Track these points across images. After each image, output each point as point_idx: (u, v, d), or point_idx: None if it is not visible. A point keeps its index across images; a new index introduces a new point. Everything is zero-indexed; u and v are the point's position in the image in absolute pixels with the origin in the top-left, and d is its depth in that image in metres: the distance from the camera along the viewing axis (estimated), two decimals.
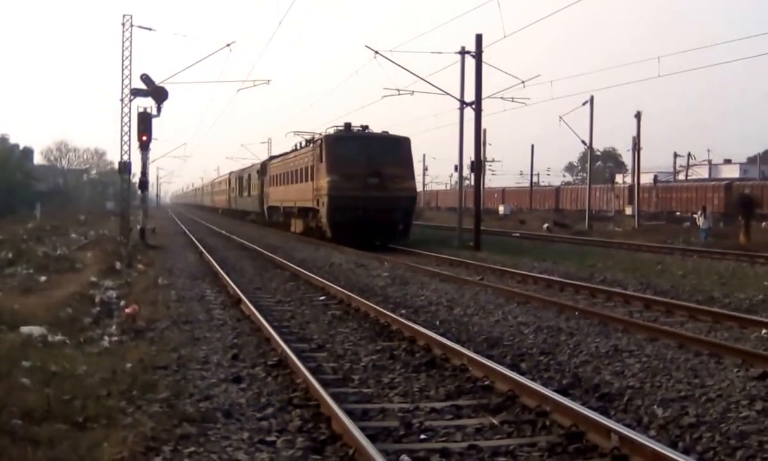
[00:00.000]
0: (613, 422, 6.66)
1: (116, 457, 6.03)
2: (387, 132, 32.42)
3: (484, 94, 30.88)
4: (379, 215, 29.27)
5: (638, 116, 51.09)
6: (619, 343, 10.77)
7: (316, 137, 34.05)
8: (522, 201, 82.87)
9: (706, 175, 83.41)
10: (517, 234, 41.90)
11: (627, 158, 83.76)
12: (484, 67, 30.44)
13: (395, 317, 12.39)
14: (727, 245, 30.60)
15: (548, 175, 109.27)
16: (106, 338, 11.29)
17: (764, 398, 7.85)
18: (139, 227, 34.05)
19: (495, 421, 7.18)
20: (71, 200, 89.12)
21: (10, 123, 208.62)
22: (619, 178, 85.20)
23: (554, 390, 7.84)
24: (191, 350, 10.32)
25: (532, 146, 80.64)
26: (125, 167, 32.71)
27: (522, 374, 8.72)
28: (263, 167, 49.03)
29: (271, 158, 47.62)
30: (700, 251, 28.21)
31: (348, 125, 32.25)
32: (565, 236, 41.17)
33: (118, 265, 22.24)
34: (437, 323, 12.70)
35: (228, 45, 31.81)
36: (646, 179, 63.15)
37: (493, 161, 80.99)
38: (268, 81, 35.46)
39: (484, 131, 42.67)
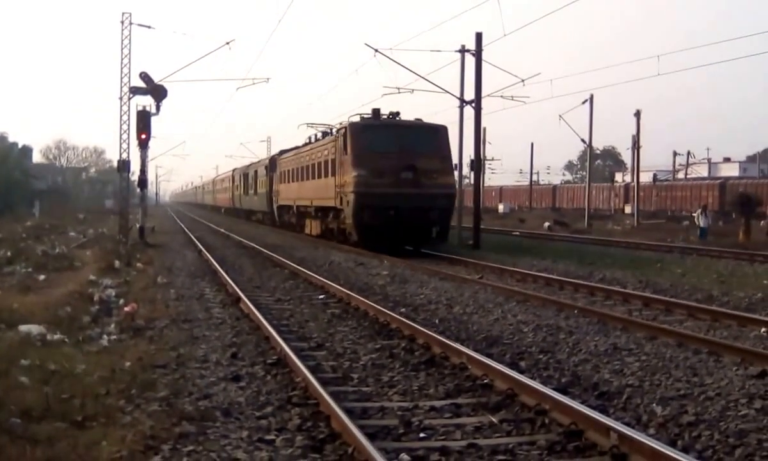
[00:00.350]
0: (612, 420, 6.66)
1: (115, 456, 6.03)
2: (420, 119, 28.74)
3: (483, 92, 30.86)
4: (414, 216, 25.47)
5: (638, 114, 51.16)
6: (618, 341, 10.77)
7: (336, 127, 29.90)
8: (519, 200, 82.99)
9: (705, 173, 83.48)
10: (517, 233, 41.90)
11: (627, 157, 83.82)
12: (484, 65, 30.45)
13: (395, 315, 12.39)
14: (726, 244, 30.60)
15: (548, 173, 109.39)
16: (105, 336, 11.29)
17: (763, 396, 7.85)
18: (138, 225, 34.05)
19: (494, 419, 7.18)
20: (70, 198, 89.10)
21: (9, 121, 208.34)
22: (618, 176, 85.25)
23: (553, 389, 7.84)
24: (190, 348, 10.32)
25: (532, 145, 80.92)
26: (124, 165, 32.68)
27: (521, 372, 8.72)
28: (272, 163, 45.21)
29: (282, 152, 42.52)
30: (699, 249, 28.22)
31: (376, 112, 28.14)
32: (564, 234, 41.19)
33: (117, 263, 22.23)
34: (436, 321, 12.70)
35: (227, 43, 31.82)
36: (645, 177, 63.22)
37: (492, 159, 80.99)
38: (268, 79, 35.56)
39: (484, 129, 42.65)
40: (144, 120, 31.18)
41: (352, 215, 26.23)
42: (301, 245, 30.73)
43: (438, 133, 27.37)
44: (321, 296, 15.75)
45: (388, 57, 29.90)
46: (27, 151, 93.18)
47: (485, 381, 8.40)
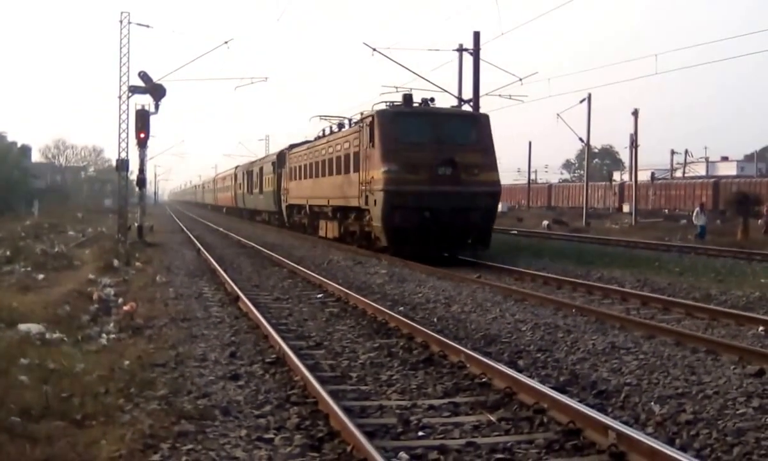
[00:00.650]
0: (611, 419, 6.68)
1: (114, 455, 6.04)
2: (458, 106, 25.61)
3: (481, 91, 30.95)
4: (453, 218, 22.22)
5: (635, 113, 51.11)
6: (616, 340, 10.79)
7: (357, 117, 26.46)
8: (515, 198, 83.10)
9: (703, 172, 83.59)
10: (515, 232, 41.92)
11: (624, 156, 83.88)
12: (482, 64, 30.54)
13: (393, 314, 12.40)
14: (724, 243, 30.61)
15: (546, 172, 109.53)
16: (104, 335, 11.30)
17: (761, 395, 7.87)
18: (137, 224, 34.06)
19: (492, 418, 7.19)
20: (69, 197, 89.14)
21: (8, 121, 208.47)
22: (616, 175, 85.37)
23: (551, 387, 7.85)
24: (189, 347, 10.33)
25: (530, 144, 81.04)
26: (123, 164, 32.68)
27: (519, 371, 8.73)
28: (281, 158, 41.47)
29: (292, 146, 39.00)
30: (697, 248, 28.24)
31: (408, 97, 24.69)
32: (562, 233, 41.21)
33: (116, 263, 22.24)
34: (435, 320, 12.71)
35: (226, 42, 31.89)
36: (643, 176, 63.27)
37: None
38: (266, 78, 35.58)
39: None
40: (143, 119, 31.19)
41: (380, 216, 22.95)
42: (299, 243, 30.72)
43: (480, 122, 24.32)
44: (319, 295, 15.76)
45: (386, 56, 29.89)
46: (26, 150, 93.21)
47: (483, 380, 8.41)
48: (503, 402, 7.65)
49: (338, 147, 28.10)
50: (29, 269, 20.81)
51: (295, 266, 20.72)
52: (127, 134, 31.99)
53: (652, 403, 7.64)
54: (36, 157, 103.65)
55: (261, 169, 48.72)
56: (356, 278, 18.70)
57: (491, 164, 23.35)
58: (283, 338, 10.36)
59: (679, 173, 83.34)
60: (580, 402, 7.37)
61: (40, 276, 19.32)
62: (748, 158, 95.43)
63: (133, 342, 10.71)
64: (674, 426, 6.97)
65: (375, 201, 23.18)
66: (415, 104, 24.49)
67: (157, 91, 31.08)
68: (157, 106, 31.35)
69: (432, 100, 25.07)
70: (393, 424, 7.03)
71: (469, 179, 22.57)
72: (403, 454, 6.22)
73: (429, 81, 31.63)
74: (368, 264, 21.90)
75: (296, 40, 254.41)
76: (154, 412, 7.16)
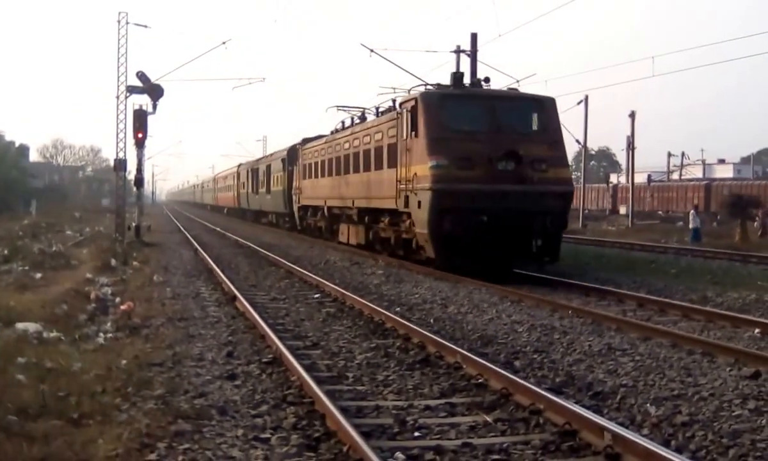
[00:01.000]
0: (606, 420, 6.70)
1: (111, 454, 6.05)
2: (516, 89, 21.33)
3: None
4: (517, 223, 18.24)
5: (632, 115, 51.17)
6: (612, 342, 10.81)
7: (385, 105, 22.51)
8: None
9: (700, 175, 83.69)
10: None
11: (621, 158, 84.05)
12: (479, 65, 30.51)
13: (390, 314, 12.42)
14: (721, 246, 30.60)
15: None
16: (101, 335, 11.31)
17: (757, 397, 7.89)
18: (134, 224, 34.05)
19: (489, 419, 7.20)
20: (67, 197, 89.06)
21: (7, 120, 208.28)
22: (613, 177, 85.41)
23: (547, 389, 7.88)
24: (186, 347, 10.34)
25: None
26: (121, 164, 32.70)
27: (515, 372, 8.76)
28: (292, 154, 37.69)
29: (306, 140, 34.82)
30: (693, 250, 28.27)
31: (458, 77, 20.81)
32: None
33: (113, 262, 22.25)
34: (431, 321, 12.72)
35: (224, 43, 31.91)
36: (640, 178, 63.36)
37: None
38: (264, 79, 35.54)
39: None
40: (140, 119, 31.22)
41: (426, 221, 18.73)
42: (296, 243, 30.73)
43: (544, 107, 19.80)
44: (316, 295, 15.77)
45: (383, 57, 29.82)
46: (24, 150, 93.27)
47: (480, 381, 8.42)
48: (499, 403, 7.66)
49: (367, 139, 24.07)
50: (27, 268, 20.80)
51: (292, 266, 20.73)
52: (125, 133, 32.05)
53: (648, 405, 7.65)
54: (34, 156, 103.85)
55: (268, 166, 44.80)
56: (353, 279, 18.71)
57: (561, 158, 19.52)
58: (279, 338, 10.37)
59: (676, 176, 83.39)
60: (576, 403, 7.40)
61: (38, 275, 19.32)
62: (745, 160, 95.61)
63: (130, 342, 10.71)
64: (670, 427, 6.99)
65: (419, 203, 19.06)
66: (466, 85, 20.87)
67: (154, 92, 31.10)
68: (154, 107, 31.40)
69: (487, 80, 21.10)
70: (389, 424, 7.05)
71: (536, 177, 18.53)
72: (399, 454, 6.23)
73: (426, 83, 31.65)
74: (365, 265, 21.91)
75: (294, 41, 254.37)
76: (150, 411, 7.17)
